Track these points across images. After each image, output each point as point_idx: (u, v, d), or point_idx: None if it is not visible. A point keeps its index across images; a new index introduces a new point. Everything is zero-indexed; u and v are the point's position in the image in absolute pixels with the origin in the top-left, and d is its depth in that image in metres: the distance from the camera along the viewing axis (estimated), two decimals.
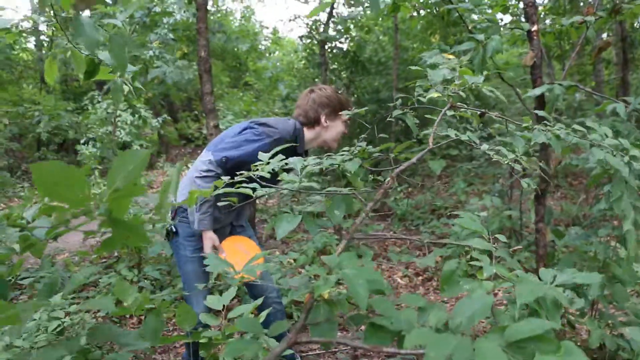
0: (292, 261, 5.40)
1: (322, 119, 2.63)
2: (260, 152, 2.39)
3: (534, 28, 2.79)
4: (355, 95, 10.58)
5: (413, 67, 2.29)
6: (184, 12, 7.09)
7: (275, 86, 12.26)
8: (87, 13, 1.73)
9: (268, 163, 1.74)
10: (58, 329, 3.13)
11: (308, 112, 2.64)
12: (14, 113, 8.35)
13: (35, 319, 3.15)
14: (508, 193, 5.47)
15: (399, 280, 4.83)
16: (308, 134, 2.65)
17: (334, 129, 2.67)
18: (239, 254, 2.58)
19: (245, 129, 2.53)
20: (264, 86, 13.07)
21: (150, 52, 9.07)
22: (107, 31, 1.46)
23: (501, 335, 0.97)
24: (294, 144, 2.53)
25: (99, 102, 9.40)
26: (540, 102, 2.79)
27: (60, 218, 0.94)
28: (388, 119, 2.27)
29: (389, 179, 1.59)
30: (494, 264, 1.25)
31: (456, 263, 1.27)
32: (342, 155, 1.87)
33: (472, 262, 1.25)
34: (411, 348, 0.94)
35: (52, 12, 1.53)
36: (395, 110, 2.28)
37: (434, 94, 2.06)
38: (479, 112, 2.14)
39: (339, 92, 2.71)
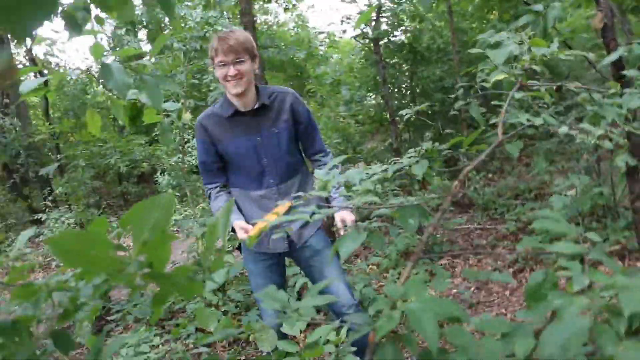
0: (374, 267, 5.26)
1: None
2: (202, 144, 2.48)
3: None
4: (421, 87, 10.28)
5: (472, 51, 2.09)
6: None
7: (337, 90, 12.17)
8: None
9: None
10: None
11: None
12: (88, 154, 8.89)
13: (122, 356, 3.18)
14: (595, 168, 5.04)
15: None
16: (227, 95, 2.47)
17: (217, 73, 2.41)
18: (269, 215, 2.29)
19: None
20: (327, 92, 13.00)
21: (210, 77, 9.24)
22: (137, 73, 1.42)
23: None
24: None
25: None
26: (619, 67, 2.50)
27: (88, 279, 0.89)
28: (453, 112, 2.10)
29: (456, 182, 1.43)
30: (587, 271, 1.06)
31: (543, 274, 1.10)
32: (409, 157, 1.73)
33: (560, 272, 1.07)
34: None
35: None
36: (458, 101, 2.10)
37: (498, 76, 1.87)
38: (554, 87, 1.91)
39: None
